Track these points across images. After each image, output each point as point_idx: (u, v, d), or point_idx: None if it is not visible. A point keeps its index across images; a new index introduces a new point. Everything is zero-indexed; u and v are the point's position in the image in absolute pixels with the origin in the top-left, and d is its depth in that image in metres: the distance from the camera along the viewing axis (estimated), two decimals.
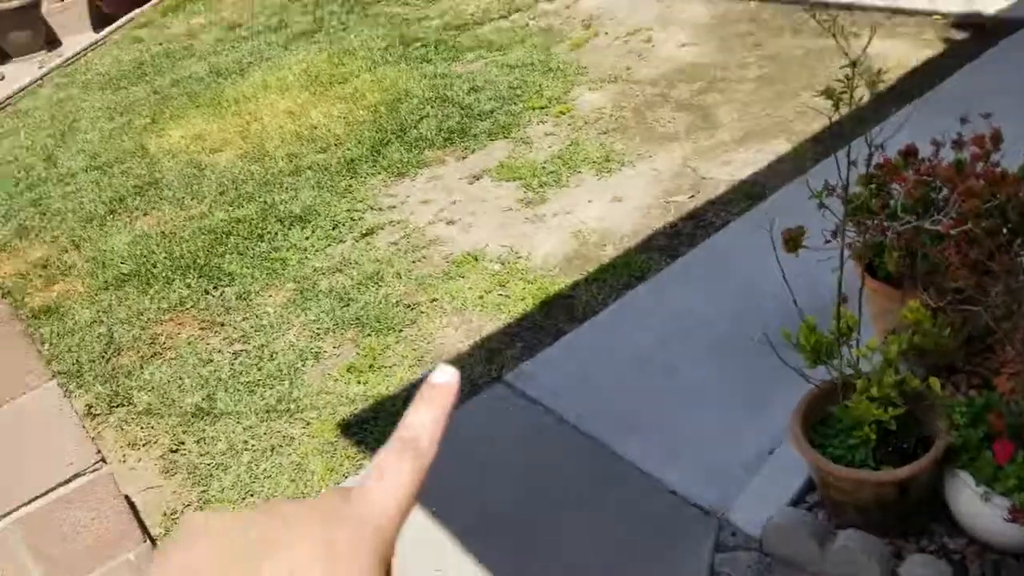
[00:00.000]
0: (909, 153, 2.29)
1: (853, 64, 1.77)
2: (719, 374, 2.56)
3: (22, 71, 7.62)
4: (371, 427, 2.74)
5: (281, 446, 2.76)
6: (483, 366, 2.89)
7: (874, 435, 1.82)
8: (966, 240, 1.90)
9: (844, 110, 1.85)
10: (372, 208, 3.96)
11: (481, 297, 3.21)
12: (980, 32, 4.10)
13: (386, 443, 0.42)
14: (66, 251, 4.21)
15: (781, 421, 2.07)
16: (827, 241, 2.09)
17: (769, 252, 2.06)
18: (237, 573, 0.36)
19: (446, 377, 0.44)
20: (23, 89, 6.75)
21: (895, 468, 1.82)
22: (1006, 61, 3.77)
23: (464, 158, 4.21)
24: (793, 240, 2.16)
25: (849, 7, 4.57)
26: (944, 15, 4.34)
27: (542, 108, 4.46)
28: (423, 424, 0.43)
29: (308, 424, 2.82)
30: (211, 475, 2.71)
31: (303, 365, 3.08)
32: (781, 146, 3.64)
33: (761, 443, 2.29)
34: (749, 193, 3.39)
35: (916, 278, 2.02)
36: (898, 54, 4.08)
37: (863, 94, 1.91)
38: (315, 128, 4.82)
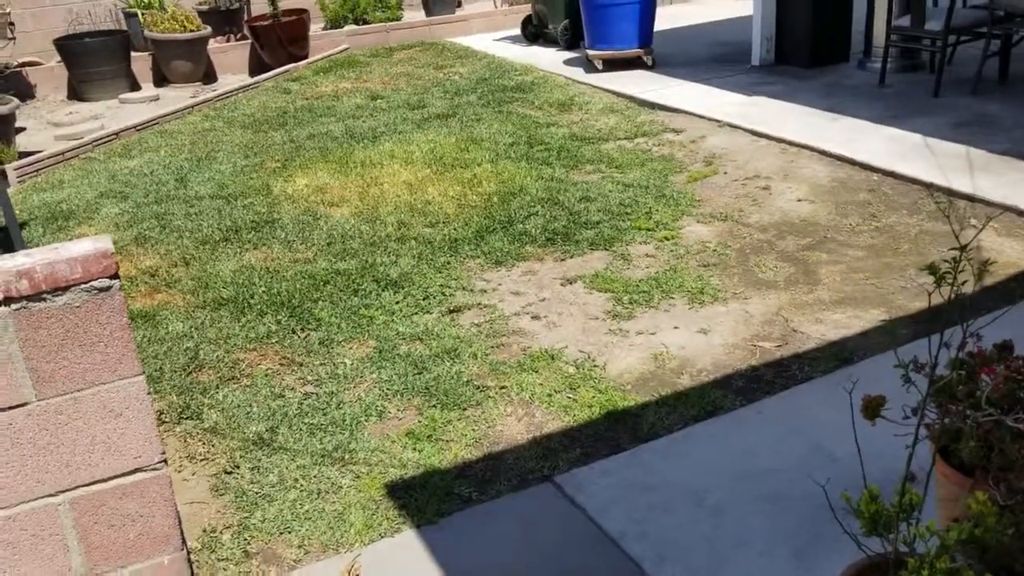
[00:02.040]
0: (1005, 348, 2.27)
1: (963, 248, 1.80)
2: (771, 524, 2.52)
3: (177, 96, 8.19)
4: (416, 495, 2.77)
5: (328, 492, 2.81)
6: (536, 462, 2.91)
7: None
8: None
9: (946, 292, 1.88)
10: (464, 288, 4.08)
11: (550, 395, 3.25)
12: None
13: None
14: (175, 266, 4.44)
15: None
16: (906, 417, 2.08)
17: (845, 417, 2.06)
18: None
19: None
20: (174, 113, 7.24)
21: None
22: None
23: (562, 260, 4.31)
24: (872, 407, 2.15)
25: (971, 198, 4.58)
26: None
27: (648, 230, 4.55)
28: None
29: (358, 477, 2.87)
30: (256, 504, 2.77)
31: (366, 420, 3.16)
32: (878, 316, 3.63)
33: None
34: (837, 355, 3.37)
35: (989, 471, 1.98)
36: (1013, 253, 4.05)
37: (967, 280, 1.93)
38: (429, 203, 5.02)
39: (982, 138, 5.37)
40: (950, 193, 4.67)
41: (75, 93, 8.53)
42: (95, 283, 2.01)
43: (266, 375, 3.46)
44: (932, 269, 1.80)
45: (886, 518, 1.97)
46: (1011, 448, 1.97)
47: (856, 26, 7.30)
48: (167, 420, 3.21)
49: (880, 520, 1.97)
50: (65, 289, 2.00)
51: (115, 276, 2.04)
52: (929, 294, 1.80)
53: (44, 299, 2.00)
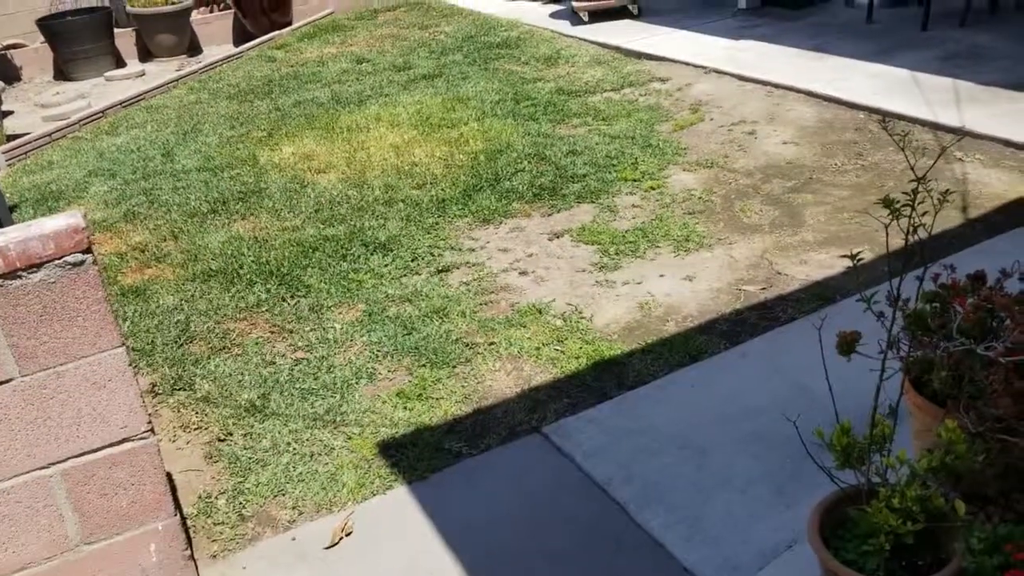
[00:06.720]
0: (977, 278, 2.29)
1: (919, 180, 1.80)
2: (753, 463, 2.56)
3: (162, 71, 8.15)
4: (407, 452, 2.82)
5: (320, 454, 2.86)
6: (525, 414, 2.94)
7: (888, 545, 1.80)
8: (1015, 369, 1.89)
9: (909, 225, 1.88)
10: (452, 248, 4.10)
11: (538, 349, 3.28)
12: None
13: None
14: (164, 240, 4.46)
15: (807, 518, 2.06)
16: (881, 352, 2.10)
17: (827, 355, 2.08)
18: None
19: None
20: (159, 87, 7.21)
21: None
22: None
23: (549, 215, 4.32)
24: (847, 344, 2.17)
25: (958, 131, 4.55)
26: None
27: (634, 180, 4.55)
28: None
29: (350, 438, 2.91)
30: (250, 468, 2.82)
31: (357, 382, 3.19)
32: (863, 255, 3.62)
33: (783, 536, 2.28)
34: (821, 295, 3.39)
35: (960, 400, 2.00)
36: (999, 185, 4.04)
37: (927, 212, 1.94)
38: (415, 165, 5.01)
39: (970, 70, 5.32)
40: (936, 127, 4.65)
41: (61, 73, 8.49)
42: (68, 258, 2.04)
43: (257, 343, 3.50)
44: (887, 202, 1.80)
45: (859, 450, 2.00)
46: (980, 376, 1.99)
47: None
48: (160, 392, 3.26)
49: (852, 452, 2.00)
50: (39, 266, 2.03)
51: (88, 251, 2.06)
52: (886, 226, 1.81)
53: (19, 276, 2.02)
